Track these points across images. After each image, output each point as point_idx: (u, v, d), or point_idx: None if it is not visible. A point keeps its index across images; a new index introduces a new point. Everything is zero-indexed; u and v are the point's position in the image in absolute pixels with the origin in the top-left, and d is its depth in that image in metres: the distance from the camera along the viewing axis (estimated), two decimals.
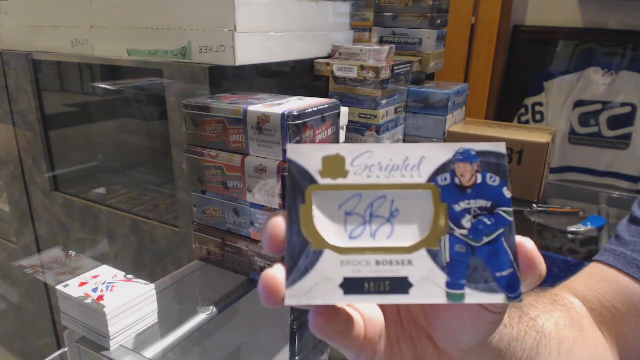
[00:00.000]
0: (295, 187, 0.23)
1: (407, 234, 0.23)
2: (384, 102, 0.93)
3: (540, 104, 1.76)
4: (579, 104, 1.70)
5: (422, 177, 0.23)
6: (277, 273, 0.22)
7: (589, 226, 0.90)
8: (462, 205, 0.23)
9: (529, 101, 1.77)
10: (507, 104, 1.85)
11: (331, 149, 0.23)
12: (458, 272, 0.23)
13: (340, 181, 0.23)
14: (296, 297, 0.22)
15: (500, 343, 0.30)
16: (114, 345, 0.53)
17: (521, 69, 1.80)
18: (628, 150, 1.66)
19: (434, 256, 0.23)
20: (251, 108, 0.59)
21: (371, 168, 0.23)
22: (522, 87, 1.80)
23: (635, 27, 1.60)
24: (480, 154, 0.24)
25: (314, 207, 0.23)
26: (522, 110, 1.79)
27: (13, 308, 1.40)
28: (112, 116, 1.13)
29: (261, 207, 0.62)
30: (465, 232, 0.23)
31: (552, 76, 1.74)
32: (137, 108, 1.06)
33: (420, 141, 1.07)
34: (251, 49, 0.74)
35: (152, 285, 0.58)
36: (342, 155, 0.23)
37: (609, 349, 0.42)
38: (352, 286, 0.22)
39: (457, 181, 0.23)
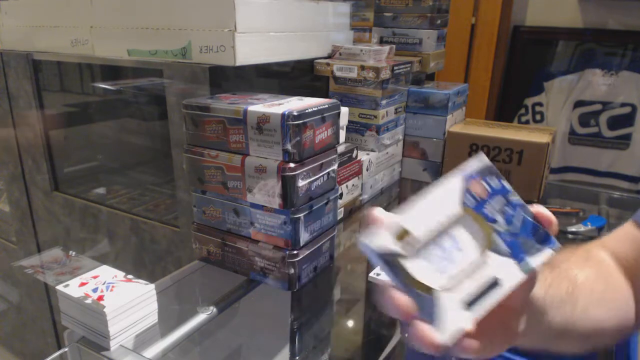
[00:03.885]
0: (390, 265, 0.28)
1: (472, 248, 0.30)
2: (384, 102, 0.93)
3: (540, 104, 1.76)
4: (579, 104, 1.70)
5: (457, 209, 0.30)
6: (424, 329, 0.28)
7: (589, 226, 0.90)
8: (489, 209, 0.31)
9: (529, 101, 1.77)
10: (507, 104, 1.85)
11: (395, 226, 0.29)
12: (517, 252, 0.31)
13: (411, 240, 0.29)
14: (447, 334, 0.28)
15: (539, 291, 0.35)
16: (114, 345, 0.53)
17: (521, 69, 1.80)
18: (628, 150, 1.66)
19: (497, 251, 0.31)
20: (251, 108, 0.59)
21: (423, 220, 0.29)
22: (522, 87, 1.80)
23: (635, 27, 1.60)
24: (476, 172, 0.31)
25: (410, 270, 0.28)
26: (522, 111, 1.79)
27: (13, 308, 1.40)
28: (112, 116, 1.13)
29: (261, 207, 0.62)
30: (502, 225, 0.31)
31: (552, 76, 1.74)
32: (137, 108, 1.06)
33: (420, 141, 1.07)
34: (251, 49, 0.74)
35: (152, 285, 0.58)
36: (406, 227, 0.29)
37: (631, 297, 0.45)
38: (472, 305, 0.29)
39: (477, 197, 0.31)
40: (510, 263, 0.30)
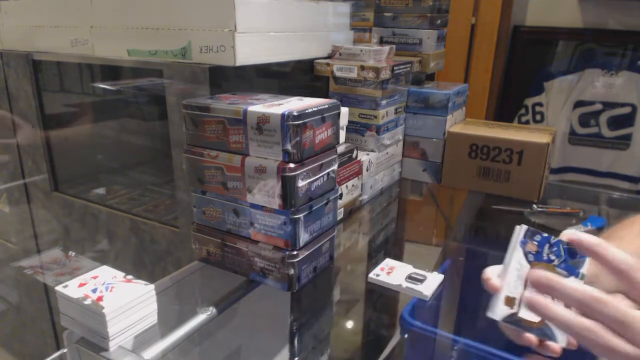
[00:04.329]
0: (512, 322, 0.45)
1: None
2: (384, 102, 0.93)
3: (540, 104, 1.76)
4: (579, 104, 1.70)
5: (527, 266, 0.45)
6: (552, 345, 0.44)
7: (589, 227, 0.90)
8: (544, 255, 0.45)
9: (529, 101, 1.77)
10: (507, 104, 1.85)
11: (502, 298, 0.45)
12: (573, 271, 0.45)
13: (515, 301, 0.45)
14: (564, 342, 0.45)
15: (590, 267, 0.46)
16: (113, 346, 0.53)
17: (521, 69, 1.80)
18: (628, 150, 1.66)
19: (564, 277, 0.45)
20: (251, 108, 0.59)
21: (514, 284, 0.45)
22: (522, 87, 1.80)
23: (635, 27, 1.60)
24: (524, 237, 0.46)
25: (525, 318, 0.45)
26: (522, 111, 1.79)
27: (12, 309, 1.40)
28: (112, 116, 1.13)
29: (261, 208, 0.62)
30: (556, 260, 0.45)
31: (552, 76, 1.74)
32: (137, 108, 1.06)
33: (420, 141, 1.07)
34: (251, 49, 0.74)
35: (152, 286, 0.57)
36: (508, 295, 0.45)
37: None
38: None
39: (533, 253, 0.46)
40: (572, 279, 0.45)
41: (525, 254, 0.46)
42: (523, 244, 0.46)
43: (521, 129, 1.05)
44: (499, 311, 0.45)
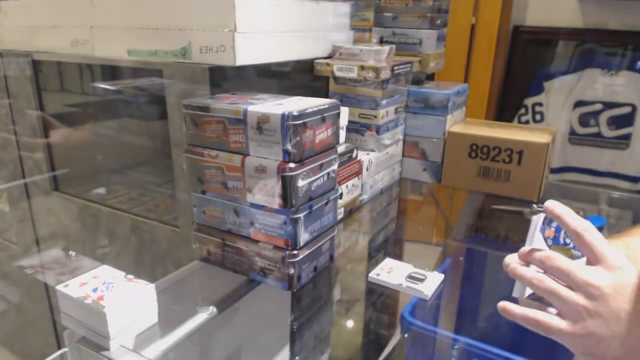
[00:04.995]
0: (534, 299, 0.49)
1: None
2: (384, 102, 0.93)
3: (540, 104, 1.76)
4: (579, 104, 1.70)
5: (547, 250, 0.48)
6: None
7: None
8: (561, 239, 0.50)
9: (529, 101, 1.77)
10: (507, 104, 1.85)
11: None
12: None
13: None
14: None
15: None
16: (113, 345, 0.53)
17: (521, 69, 1.80)
18: (628, 150, 1.66)
19: (576, 258, 0.49)
20: (251, 108, 0.59)
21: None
22: (522, 87, 1.80)
23: (635, 27, 1.60)
24: (542, 224, 0.51)
25: None
26: (522, 111, 1.79)
27: (13, 308, 1.40)
28: (112, 116, 1.13)
29: (261, 207, 0.62)
30: (571, 243, 0.50)
31: (552, 76, 1.74)
32: (137, 108, 1.06)
33: (420, 141, 1.07)
34: (251, 49, 0.74)
35: (152, 285, 0.58)
36: None
37: None
38: None
39: (551, 236, 0.51)
40: (584, 259, 0.47)
41: (545, 239, 0.51)
42: (542, 230, 0.51)
43: (521, 129, 1.05)
44: (522, 290, 0.50)
